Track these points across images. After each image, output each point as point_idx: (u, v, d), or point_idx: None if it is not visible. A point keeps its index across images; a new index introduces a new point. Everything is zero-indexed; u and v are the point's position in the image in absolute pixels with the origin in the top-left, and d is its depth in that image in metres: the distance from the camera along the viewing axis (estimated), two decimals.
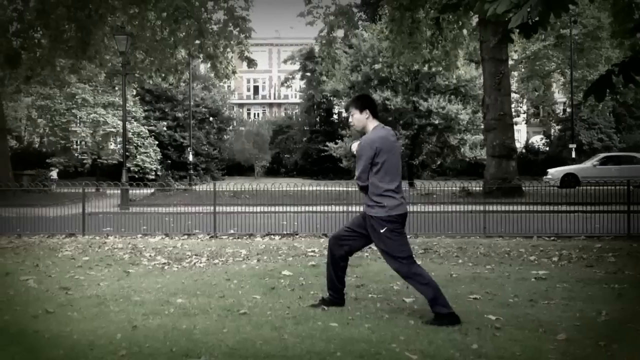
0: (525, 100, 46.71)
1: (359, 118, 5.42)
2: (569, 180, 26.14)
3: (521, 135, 51.91)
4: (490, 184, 18.93)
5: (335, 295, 5.64)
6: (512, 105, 26.32)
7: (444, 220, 12.31)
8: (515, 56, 36.21)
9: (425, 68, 24.65)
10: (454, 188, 14.85)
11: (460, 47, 21.87)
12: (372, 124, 5.41)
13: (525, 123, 53.52)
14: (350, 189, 13.78)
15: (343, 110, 41.61)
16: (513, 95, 33.92)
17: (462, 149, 35.49)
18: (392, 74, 31.41)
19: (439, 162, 37.42)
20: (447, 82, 31.68)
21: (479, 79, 30.53)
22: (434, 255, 9.03)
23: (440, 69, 24.04)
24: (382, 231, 5.24)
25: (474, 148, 35.67)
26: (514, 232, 11.76)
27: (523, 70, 40.78)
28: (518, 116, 43.74)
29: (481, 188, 18.18)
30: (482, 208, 12.45)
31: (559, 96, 47.06)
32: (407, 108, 31.80)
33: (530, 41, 32.01)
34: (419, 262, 8.11)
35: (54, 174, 34.08)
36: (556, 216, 12.24)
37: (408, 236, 11.05)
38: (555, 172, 28.82)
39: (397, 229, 5.29)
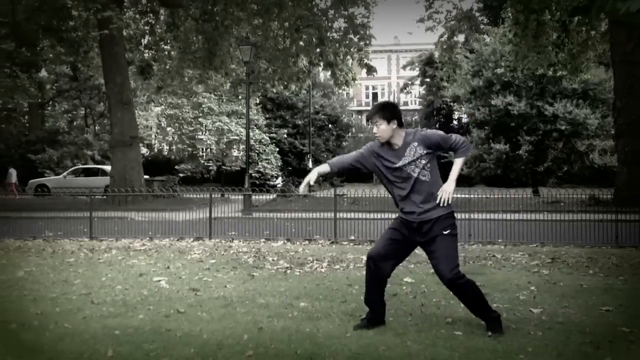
0: None
1: (386, 129, 4.98)
2: (42, 190, 28.03)
3: None
4: (622, 192, 17.93)
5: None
6: None
7: (573, 229, 11.76)
8: None
9: (551, 72, 23.80)
10: (582, 196, 14.17)
11: (589, 50, 20.95)
12: (400, 132, 5.03)
13: None
14: (471, 195, 13.49)
15: (464, 116, 40.77)
16: None
17: (591, 156, 33.95)
18: (515, 78, 30.53)
19: (565, 169, 35.89)
20: (574, 86, 30.41)
21: (609, 82, 29.11)
22: (563, 265, 8.65)
23: (566, 72, 23.13)
24: (445, 233, 4.95)
25: (603, 154, 34.02)
26: None
27: None
28: None
29: (612, 196, 17.26)
30: (613, 217, 11.81)
31: None
32: (531, 113, 30.80)
33: None
34: (546, 272, 7.90)
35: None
36: None
37: (535, 244, 10.75)
38: (30, 183, 30.42)
39: (455, 228, 5.08)
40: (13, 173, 32.06)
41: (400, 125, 5.06)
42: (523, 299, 6.29)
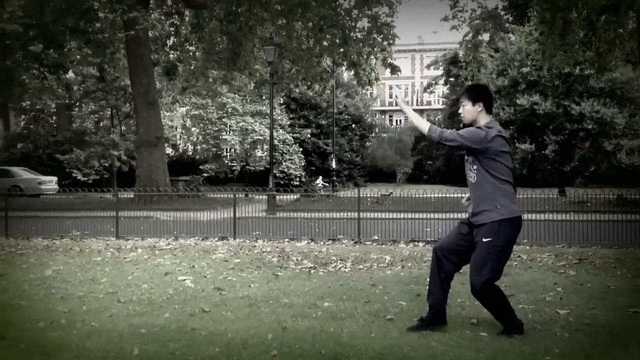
0: None
1: (470, 110, 4.89)
2: None
3: None
4: None
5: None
6: None
7: (600, 229, 11.61)
8: None
9: (577, 71, 23.50)
10: (609, 196, 14.01)
11: (617, 48, 20.65)
12: (484, 118, 4.86)
13: None
14: None
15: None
16: None
17: (618, 155, 33.54)
18: (541, 77, 30.20)
19: (592, 169, 35.46)
20: (601, 85, 30.02)
21: (636, 81, 28.73)
22: (590, 265, 8.55)
23: (593, 71, 22.82)
24: (484, 240, 4.74)
25: (631, 154, 33.59)
26: None
27: None
28: None
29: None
30: None
31: None
32: (557, 112, 30.45)
33: None
34: (573, 273, 7.81)
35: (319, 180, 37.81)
36: None
37: (561, 245, 10.63)
38: None
39: (510, 239, 4.84)
40: None
41: (489, 111, 4.92)
42: (549, 300, 6.23)
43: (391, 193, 15.92)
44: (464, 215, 5.19)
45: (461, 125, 5.10)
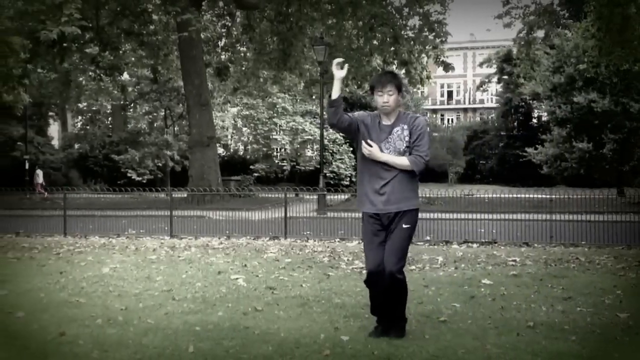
0: None
1: (397, 99, 4.69)
2: None
3: None
4: None
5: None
6: None
7: None
8: None
9: (637, 67, 22.85)
10: None
11: None
12: (399, 108, 4.82)
13: None
14: (552, 196, 13.11)
15: (544, 114, 39.70)
16: None
17: None
18: (599, 74, 29.44)
19: None
20: None
21: None
22: None
23: None
24: (405, 226, 4.82)
25: None
26: None
27: None
28: None
29: None
30: None
31: None
32: (615, 110, 29.63)
33: None
34: (633, 275, 7.59)
35: None
36: None
37: (621, 247, 10.37)
38: None
39: (415, 224, 4.98)
40: (40, 174, 33.53)
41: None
42: (608, 303, 6.06)
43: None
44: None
45: (377, 112, 4.83)
